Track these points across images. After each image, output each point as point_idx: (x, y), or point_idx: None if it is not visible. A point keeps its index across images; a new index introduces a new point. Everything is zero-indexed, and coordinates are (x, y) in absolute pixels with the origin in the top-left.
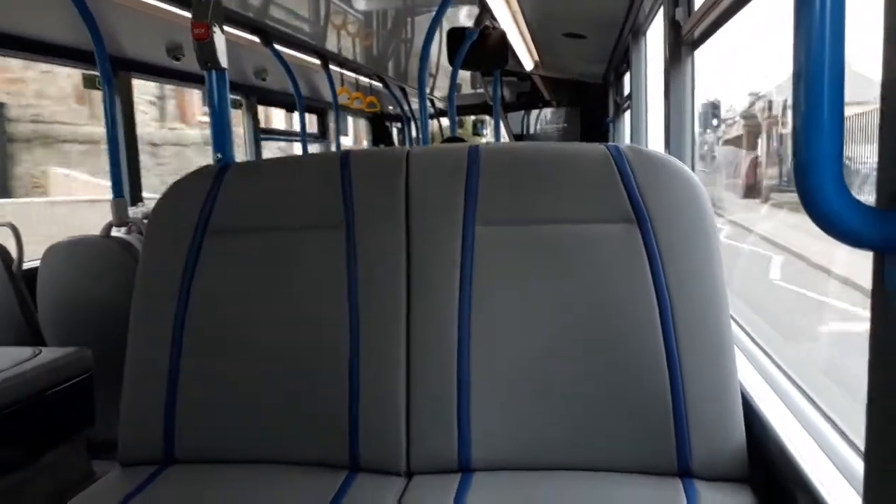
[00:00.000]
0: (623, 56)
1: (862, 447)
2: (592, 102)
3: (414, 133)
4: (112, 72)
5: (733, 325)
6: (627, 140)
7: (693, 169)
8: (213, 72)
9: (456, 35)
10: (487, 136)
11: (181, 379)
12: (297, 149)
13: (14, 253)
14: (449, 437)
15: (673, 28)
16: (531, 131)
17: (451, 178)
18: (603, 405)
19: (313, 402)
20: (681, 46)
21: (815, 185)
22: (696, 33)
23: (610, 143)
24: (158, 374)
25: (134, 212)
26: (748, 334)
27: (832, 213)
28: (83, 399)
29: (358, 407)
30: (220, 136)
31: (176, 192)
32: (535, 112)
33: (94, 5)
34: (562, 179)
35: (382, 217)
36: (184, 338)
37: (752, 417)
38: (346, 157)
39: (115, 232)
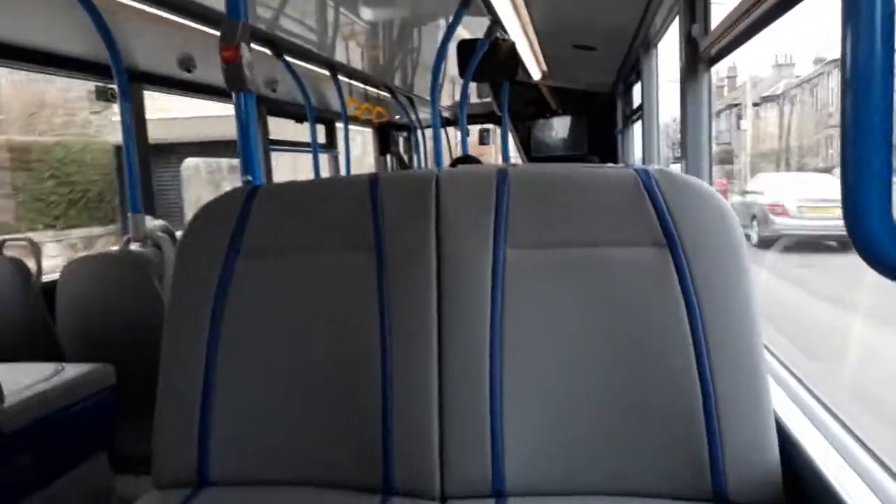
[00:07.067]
0: (633, 67)
1: None
2: (599, 112)
3: (421, 142)
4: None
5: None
6: (638, 152)
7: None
8: (241, 93)
9: (466, 46)
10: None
11: (214, 401)
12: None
13: (33, 267)
14: (482, 462)
15: (689, 44)
16: (538, 140)
17: (480, 200)
18: (637, 429)
19: (346, 426)
20: (697, 63)
21: (861, 214)
22: (714, 51)
23: (638, 166)
24: (192, 396)
25: (151, 225)
26: (779, 360)
27: (878, 247)
28: (106, 415)
29: (391, 430)
30: (249, 158)
31: (206, 215)
32: (541, 121)
33: (108, 18)
34: (591, 202)
35: (412, 240)
36: (217, 359)
37: (786, 441)
38: (375, 179)
39: (132, 246)
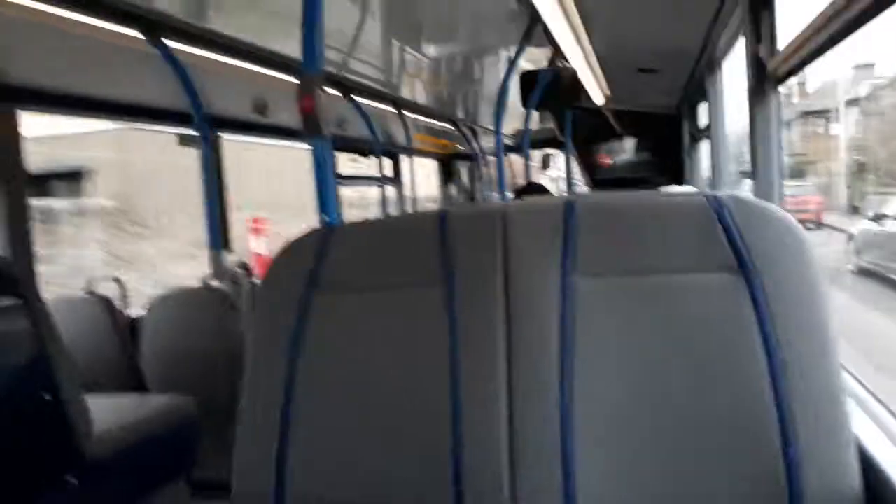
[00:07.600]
0: (697, 87)
1: None
2: (664, 133)
3: (484, 171)
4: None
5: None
6: (706, 171)
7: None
8: (318, 140)
9: (528, 77)
10: (558, 170)
11: (291, 432)
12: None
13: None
14: (553, 489)
15: (756, 65)
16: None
17: (548, 232)
18: (711, 455)
19: (420, 455)
20: (764, 83)
21: None
22: (782, 71)
23: (708, 192)
24: (270, 426)
25: (227, 262)
26: (860, 382)
27: None
28: (187, 444)
29: (461, 461)
30: (326, 199)
31: (288, 252)
32: (605, 145)
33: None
34: (661, 230)
35: (480, 273)
36: (294, 392)
37: (869, 467)
38: (444, 215)
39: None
